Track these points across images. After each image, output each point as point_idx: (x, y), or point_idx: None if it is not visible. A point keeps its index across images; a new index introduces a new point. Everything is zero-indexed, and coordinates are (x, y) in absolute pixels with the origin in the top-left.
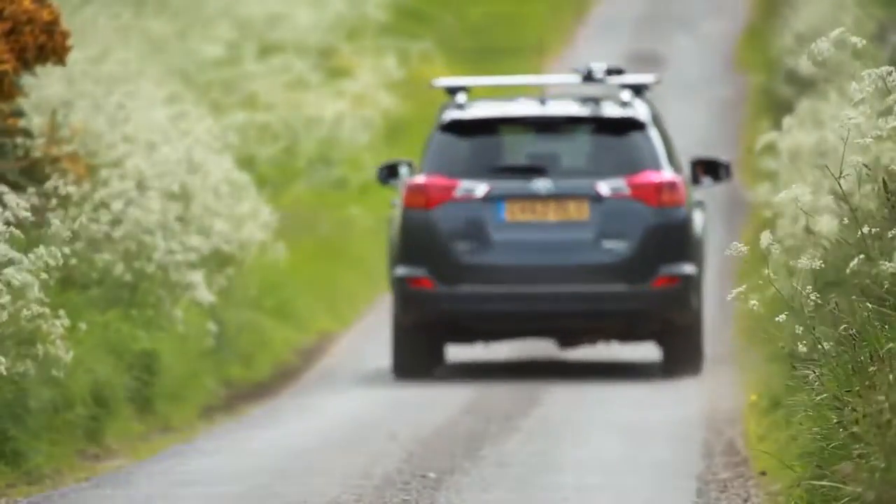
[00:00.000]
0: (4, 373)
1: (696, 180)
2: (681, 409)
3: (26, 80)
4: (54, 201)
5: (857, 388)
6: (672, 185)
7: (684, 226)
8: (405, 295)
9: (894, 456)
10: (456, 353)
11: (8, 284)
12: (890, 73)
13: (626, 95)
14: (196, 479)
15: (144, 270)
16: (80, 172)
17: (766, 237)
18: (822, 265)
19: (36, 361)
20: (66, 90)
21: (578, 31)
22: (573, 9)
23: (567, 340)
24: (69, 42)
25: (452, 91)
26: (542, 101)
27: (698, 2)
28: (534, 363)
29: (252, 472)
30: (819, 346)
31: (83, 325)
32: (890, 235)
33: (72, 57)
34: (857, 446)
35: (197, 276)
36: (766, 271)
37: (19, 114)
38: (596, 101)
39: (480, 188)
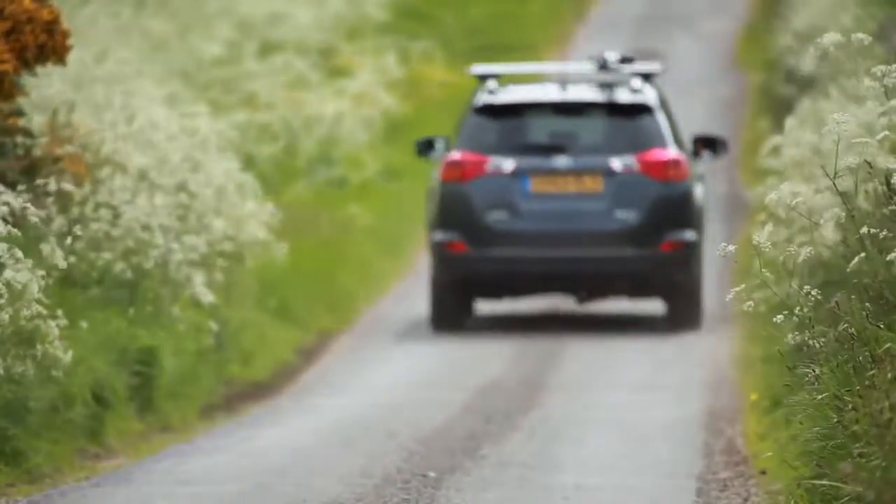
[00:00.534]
0: (2, 372)
1: (697, 154)
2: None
3: (26, 79)
4: (52, 199)
5: (857, 388)
6: (676, 162)
7: (687, 198)
8: (442, 257)
9: (894, 456)
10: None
11: (7, 285)
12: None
13: (636, 82)
14: (196, 479)
15: (144, 269)
16: (80, 172)
17: (756, 237)
18: (811, 254)
19: (35, 361)
20: (67, 89)
21: (579, 31)
22: (573, 8)
23: (583, 297)
24: (69, 41)
25: (484, 78)
26: (563, 87)
27: (698, 1)
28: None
29: (252, 472)
30: (817, 346)
31: (83, 324)
32: (886, 235)
33: (72, 56)
34: (857, 446)
35: (197, 275)
36: (762, 271)
37: (19, 113)
38: (610, 87)
39: (508, 164)
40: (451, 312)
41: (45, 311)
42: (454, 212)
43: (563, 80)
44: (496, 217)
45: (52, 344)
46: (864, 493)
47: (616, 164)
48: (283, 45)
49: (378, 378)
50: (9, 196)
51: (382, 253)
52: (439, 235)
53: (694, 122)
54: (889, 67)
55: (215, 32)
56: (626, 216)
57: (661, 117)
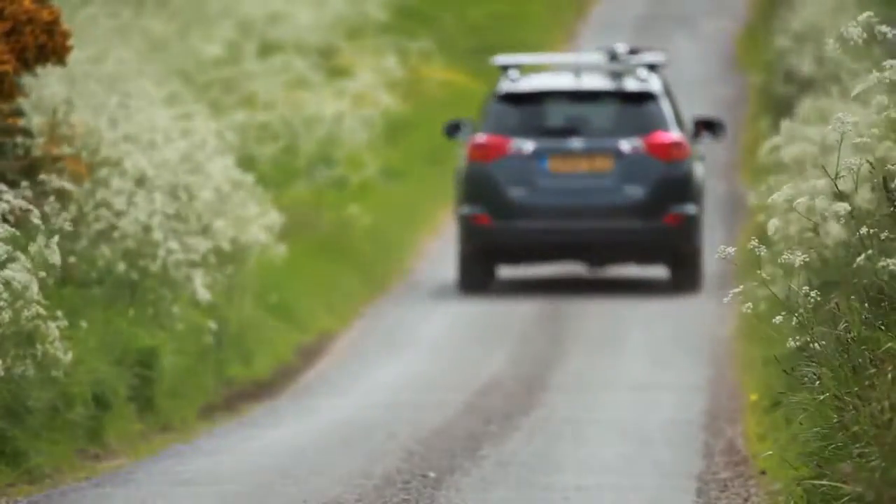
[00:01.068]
0: (2, 373)
1: (697, 136)
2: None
3: (26, 79)
4: (52, 198)
5: (857, 389)
6: (679, 144)
7: (688, 175)
8: (468, 229)
9: (894, 456)
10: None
11: (7, 284)
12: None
13: (642, 72)
14: (196, 479)
15: (145, 268)
16: (80, 171)
17: (754, 239)
18: (808, 259)
19: (36, 361)
20: (66, 89)
21: (579, 31)
22: (573, 8)
23: (594, 263)
24: (69, 42)
25: (505, 68)
26: (577, 76)
27: (698, 1)
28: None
29: (252, 472)
30: (817, 346)
31: (83, 324)
32: (888, 236)
33: (72, 56)
34: (857, 446)
35: (197, 275)
36: (759, 272)
37: (19, 113)
38: (619, 76)
39: (528, 145)
40: (477, 277)
41: (44, 311)
42: (479, 188)
43: (577, 70)
44: (517, 193)
45: (52, 344)
46: (864, 494)
47: (624, 145)
48: (283, 45)
49: (378, 378)
50: (9, 196)
51: (382, 252)
52: (466, 209)
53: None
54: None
55: (215, 32)
56: (634, 192)
57: (664, 103)
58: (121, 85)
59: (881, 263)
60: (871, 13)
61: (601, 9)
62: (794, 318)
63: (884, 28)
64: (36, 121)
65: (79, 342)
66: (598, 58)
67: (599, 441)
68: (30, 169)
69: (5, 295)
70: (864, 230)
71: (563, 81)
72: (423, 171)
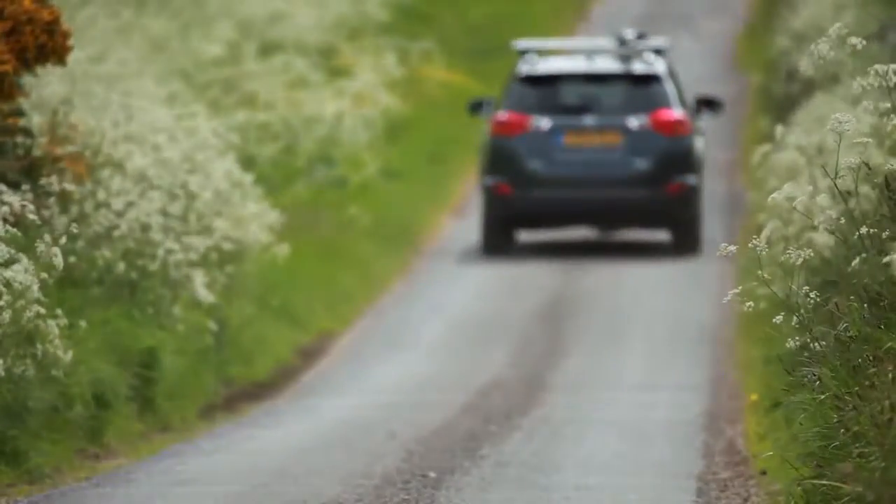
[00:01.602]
0: (2, 373)
1: (698, 112)
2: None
3: (26, 79)
4: (53, 199)
5: (857, 388)
6: (681, 121)
7: (689, 149)
8: (492, 197)
9: (894, 456)
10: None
11: (8, 285)
12: (892, 72)
13: (649, 56)
14: (196, 479)
15: (145, 268)
16: (80, 171)
17: (755, 239)
18: (811, 256)
19: (36, 361)
20: (67, 89)
21: (580, 30)
22: (574, 8)
23: (605, 228)
24: (69, 42)
25: (524, 52)
26: (590, 60)
27: (698, 1)
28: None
29: (252, 472)
30: (817, 346)
31: (83, 324)
32: (887, 235)
33: (72, 56)
34: (857, 446)
35: (197, 275)
36: (759, 272)
37: (19, 113)
38: (628, 59)
39: (546, 122)
40: (499, 241)
41: (44, 311)
42: (502, 161)
43: (590, 54)
44: (536, 165)
45: (52, 344)
46: (864, 493)
47: (632, 122)
48: (283, 45)
49: (378, 378)
50: (9, 196)
51: (382, 252)
52: (489, 180)
53: None
54: (890, 66)
55: (215, 32)
56: (640, 164)
57: (668, 84)
58: (121, 85)
59: (882, 262)
60: (842, 25)
61: (601, 9)
62: (794, 318)
63: (854, 40)
64: (36, 121)
65: (79, 342)
66: (608, 43)
67: (599, 440)
68: (30, 169)
69: (7, 297)
70: (863, 230)
71: (576, 64)
72: (423, 171)
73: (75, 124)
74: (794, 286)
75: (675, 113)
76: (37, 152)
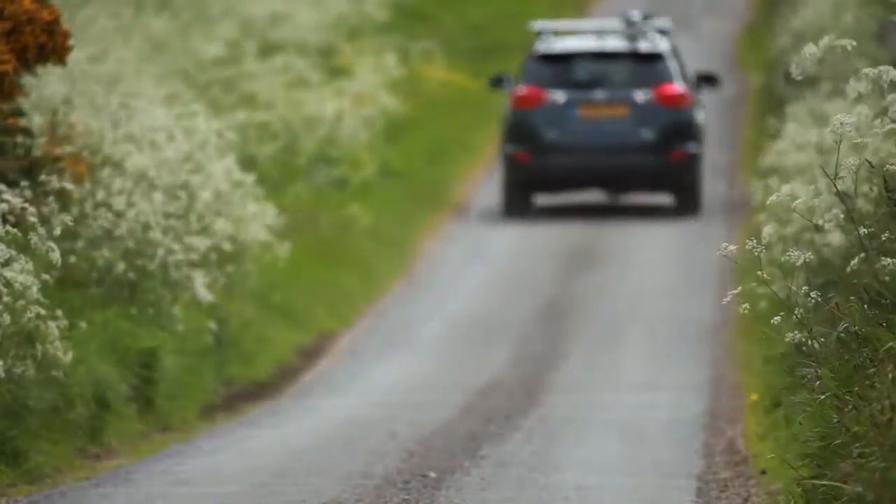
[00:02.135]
0: (2, 373)
1: (699, 86)
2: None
3: (26, 79)
4: (52, 199)
5: (857, 388)
6: (683, 95)
7: (690, 120)
8: (511, 164)
9: (894, 456)
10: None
11: (8, 285)
12: (886, 73)
13: (654, 35)
14: (196, 479)
15: (145, 268)
16: (80, 171)
17: (752, 242)
18: (811, 257)
19: (36, 362)
20: (67, 89)
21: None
22: (574, 8)
23: (614, 192)
24: (69, 42)
25: (540, 33)
26: (600, 39)
27: (698, 1)
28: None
29: (252, 472)
30: (817, 346)
31: (83, 324)
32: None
33: (72, 56)
34: (857, 446)
35: (197, 275)
36: (760, 273)
37: (19, 113)
38: (635, 38)
39: (561, 96)
40: (518, 204)
41: (44, 311)
42: (521, 131)
43: (600, 34)
44: (552, 135)
45: (52, 344)
46: (864, 493)
47: (639, 96)
48: (283, 45)
49: (378, 378)
50: (9, 195)
51: (382, 252)
52: (509, 148)
53: None
54: (884, 68)
55: (216, 32)
56: (646, 134)
57: (671, 62)
58: (121, 85)
59: (881, 263)
60: (833, 35)
61: (602, 8)
62: (794, 318)
63: (844, 42)
64: (36, 121)
65: (79, 342)
66: (616, 24)
67: (600, 440)
68: (30, 169)
69: (7, 298)
70: (863, 230)
71: (588, 44)
72: (423, 171)
73: (75, 124)
74: (793, 286)
75: (678, 87)
76: (37, 152)
